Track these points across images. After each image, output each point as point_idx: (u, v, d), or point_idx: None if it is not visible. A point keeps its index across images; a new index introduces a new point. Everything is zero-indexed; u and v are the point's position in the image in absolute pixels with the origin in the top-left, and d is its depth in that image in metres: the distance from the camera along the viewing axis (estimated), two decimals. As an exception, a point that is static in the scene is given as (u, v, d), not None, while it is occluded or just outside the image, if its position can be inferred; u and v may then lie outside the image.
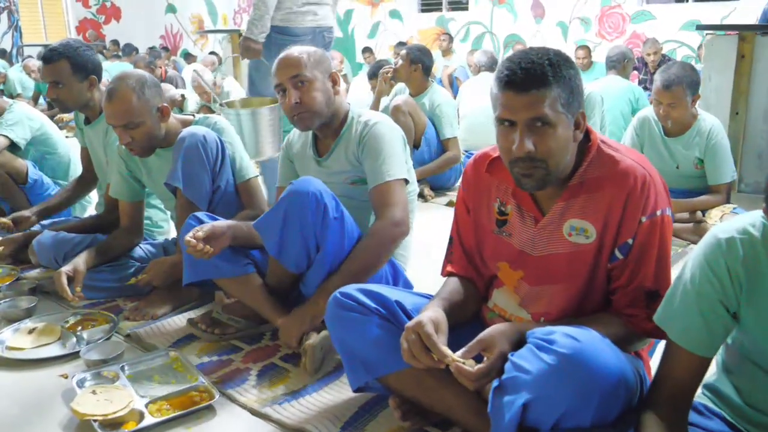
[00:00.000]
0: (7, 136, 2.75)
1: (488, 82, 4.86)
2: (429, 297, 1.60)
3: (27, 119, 2.84)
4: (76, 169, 3.04)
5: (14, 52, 11.50)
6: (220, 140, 2.17)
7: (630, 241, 1.30)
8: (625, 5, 8.25)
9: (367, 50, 9.44)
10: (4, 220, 2.53)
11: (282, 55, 1.92)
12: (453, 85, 7.71)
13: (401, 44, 8.85)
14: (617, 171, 1.30)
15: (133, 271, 2.31)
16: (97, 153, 2.60)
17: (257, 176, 2.29)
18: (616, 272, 1.33)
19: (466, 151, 4.17)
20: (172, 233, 2.76)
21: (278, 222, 1.75)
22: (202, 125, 2.22)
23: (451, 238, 1.63)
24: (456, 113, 4.04)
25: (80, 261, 2.13)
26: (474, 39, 9.62)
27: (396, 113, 3.46)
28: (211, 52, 10.76)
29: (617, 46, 4.82)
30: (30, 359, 1.89)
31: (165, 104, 2.16)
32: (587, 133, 1.36)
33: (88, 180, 2.79)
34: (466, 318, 1.53)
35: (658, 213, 1.29)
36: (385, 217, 1.81)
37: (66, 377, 1.78)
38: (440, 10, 10.13)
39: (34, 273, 2.54)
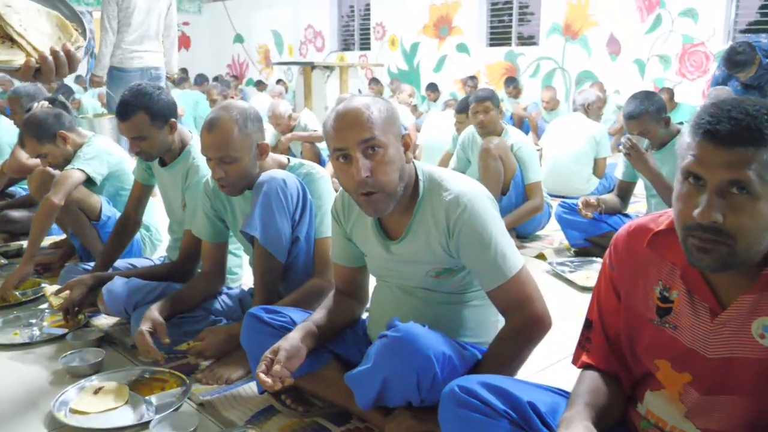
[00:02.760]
0: (83, 171, 2.62)
1: (580, 122, 4.67)
2: (562, 393, 1.33)
3: (105, 154, 2.72)
4: (150, 207, 2.90)
5: (88, 77, 11.82)
6: (303, 187, 1.97)
7: None
8: (708, 43, 7.87)
9: (431, 87, 9.27)
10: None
11: (342, 108, 1.47)
12: (524, 124, 7.44)
13: (472, 78, 8.66)
14: None
15: (209, 322, 2.13)
16: (172, 196, 2.45)
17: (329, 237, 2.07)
18: None
19: (550, 195, 3.88)
20: (247, 280, 2.57)
21: (375, 385, 1.44)
22: (296, 171, 2.03)
23: (588, 322, 1.36)
24: (538, 155, 3.77)
25: (155, 313, 1.95)
26: (544, 75, 9.36)
27: (486, 158, 3.21)
28: (278, 81, 10.86)
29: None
30: (96, 429, 1.70)
31: (265, 142, 1.99)
32: None
33: (131, 222, 2.59)
34: (610, 425, 1.26)
35: None
36: (522, 319, 1.49)
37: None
38: (509, 44, 9.92)
39: (103, 320, 2.39)
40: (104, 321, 2.40)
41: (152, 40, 4.45)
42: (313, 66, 5.75)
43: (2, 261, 3.10)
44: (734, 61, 4.27)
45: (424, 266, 1.58)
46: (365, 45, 11.69)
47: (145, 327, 1.92)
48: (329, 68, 5.66)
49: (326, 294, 1.98)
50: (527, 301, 1.50)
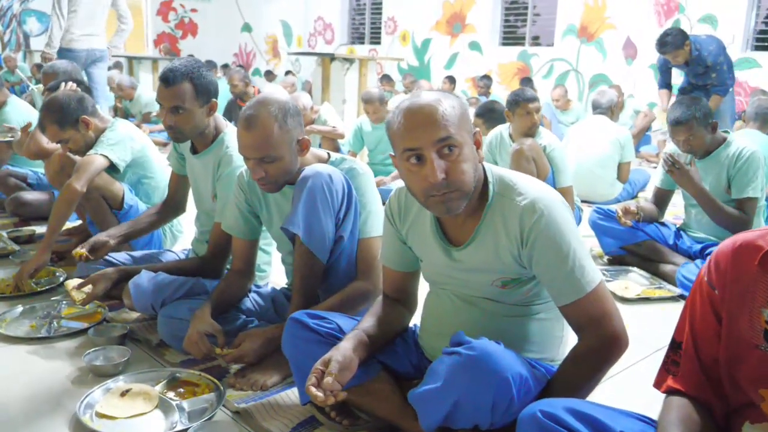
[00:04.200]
0: (107, 157, 2.49)
1: (604, 126, 4.56)
2: (649, 421, 1.22)
3: (129, 139, 2.58)
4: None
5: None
6: (348, 183, 1.85)
7: None
8: (728, 50, 7.73)
9: (450, 79, 9.11)
10: (80, 251, 2.25)
11: (413, 105, 1.34)
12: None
13: (486, 78, 8.53)
14: None
15: (240, 323, 2.01)
16: (201, 185, 2.32)
17: (379, 236, 1.96)
18: None
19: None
20: (276, 278, 2.46)
21: (444, 406, 1.30)
22: (338, 166, 1.91)
23: (676, 344, 1.24)
24: (570, 159, 3.66)
25: (209, 319, 1.85)
26: (557, 76, 9.24)
27: (519, 159, 3.09)
28: (288, 72, 10.71)
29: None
30: (125, 437, 1.58)
31: (306, 137, 1.86)
32: None
33: (173, 207, 2.52)
34: None
35: None
36: (599, 337, 1.37)
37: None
38: (523, 44, 9.80)
39: (123, 314, 2.27)
40: (125, 316, 2.28)
41: (97, 26, 5.10)
42: (332, 58, 5.61)
43: (15, 247, 2.97)
44: (661, 41, 4.46)
45: (490, 275, 1.46)
46: (375, 39, 11.54)
47: (202, 329, 1.82)
48: (349, 60, 5.52)
49: (370, 298, 1.88)
50: (605, 318, 1.38)
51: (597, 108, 4.68)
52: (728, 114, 4.83)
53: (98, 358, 1.91)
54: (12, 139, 3.27)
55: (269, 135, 1.77)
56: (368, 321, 1.60)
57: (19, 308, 2.28)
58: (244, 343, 1.81)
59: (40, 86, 3.71)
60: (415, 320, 1.74)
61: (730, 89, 4.79)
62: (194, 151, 2.29)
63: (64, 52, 4.93)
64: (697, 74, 4.67)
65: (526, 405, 1.27)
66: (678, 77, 5.15)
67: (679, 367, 1.23)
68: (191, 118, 2.11)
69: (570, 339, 1.54)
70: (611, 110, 4.63)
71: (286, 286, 2.21)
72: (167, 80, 2.07)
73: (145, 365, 1.94)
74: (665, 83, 5.07)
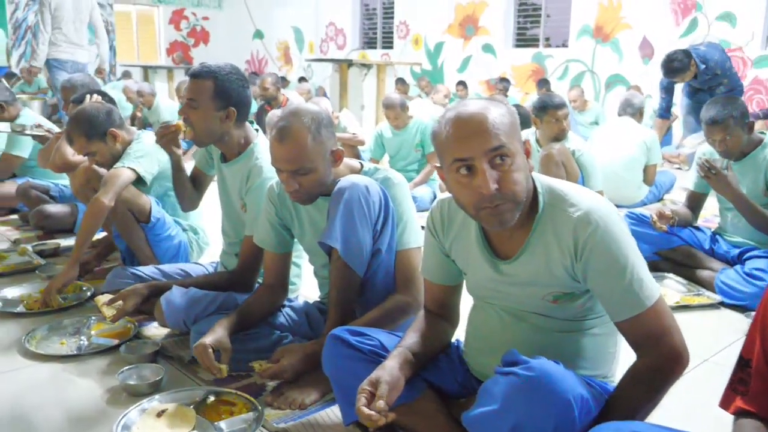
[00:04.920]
0: (134, 170, 2.46)
1: (630, 128, 4.47)
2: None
3: (155, 151, 2.54)
4: (199, 209, 2.74)
5: (107, 69, 11.71)
6: (385, 194, 1.80)
7: None
8: (746, 48, 7.65)
9: (462, 84, 9.07)
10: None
11: (462, 114, 1.29)
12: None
13: (504, 80, 8.46)
14: None
15: (275, 338, 1.96)
16: (230, 196, 2.29)
17: (420, 247, 1.90)
18: None
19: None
20: (306, 291, 2.41)
21: (503, 430, 1.22)
22: (372, 176, 1.86)
23: (744, 361, 1.18)
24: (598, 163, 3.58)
25: (222, 333, 1.78)
26: (572, 78, 9.16)
27: (548, 163, 3.04)
28: (301, 78, 10.69)
29: None
30: (166, 460, 1.54)
31: (340, 147, 1.82)
32: None
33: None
34: None
35: None
36: (659, 355, 1.31)
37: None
38: (537, 45, 9.73)
39: (153, 329, 2.23)
40: (155, 332, 2.24)
41: (80, 39, 5.71)
42: (350, 63, 5.56)
43: (40, 261, 2.95)
44: (669, 68, 4.61)
45: (541, 289, 1.41)
46: (388, 43, 11.51)
47: (208, 340, 1.76)
48: (366, 66, 5.46)
49: (410, 312, 1.83)
50: (665, 334, 1.32)
51: (628, 109, 4.59)
52: None
53: (132, 376, 1.87)
54: (44, 133, 3.22)
55: (303, 146, 1.73)
56: (412, 337, 1.55)
57: (49, 325, 2.24)
58: (283, 359, 1.76)
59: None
60: (457, 335, 1.68)
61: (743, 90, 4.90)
62: (224, 160, 2.26)
63: (50, 62, 5.62)
64: (706, 81, 4.74)
65: (587, 427, 1.22)
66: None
67: (748, 386, 1.16)
68: (203, 117, 2.09)
69: (623, 354, 1.48)
70: (640, 112, 4.57)
71: (319, 299, 2.16)
72: (194, 73, 2.09)
73: (178, 383, 1.90)
74: (667, 107, 5.15)
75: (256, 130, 2.27)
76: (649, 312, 1.32)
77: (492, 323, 1.52)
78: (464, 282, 1.61)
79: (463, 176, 1.30)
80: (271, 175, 2.11)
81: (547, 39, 9.75)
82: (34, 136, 3.24)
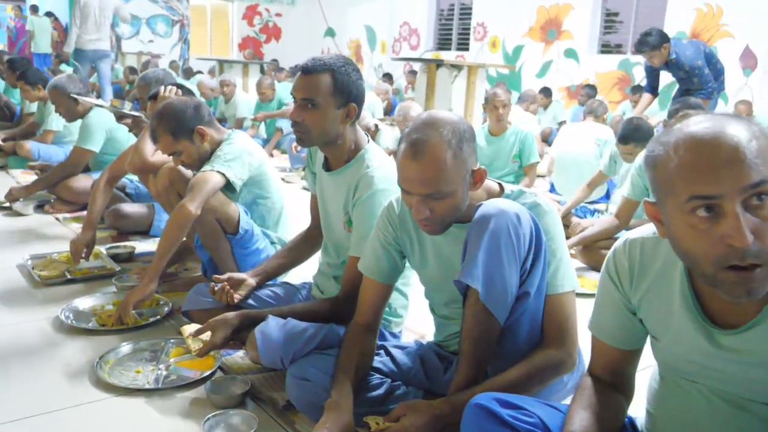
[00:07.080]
0: (224, 175, 2.18)
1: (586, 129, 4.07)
2: None
3: (247, 154, 2.26)
4: (287, 220, 2.44)
5: (181, 63, 11.78)
6: (536, 225, 1.45)
7: None
8: None
9: (545, 91, 8.59)
10: (222, 277, 1.98)
11: (698, 132, 0.94)
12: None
13: (590, 87, 7.96)
14: None
15: (387, 389, 1.63)
16: (332, 209, 1.97)
17: (574, 291, 1.54)
18: None
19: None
20: (415, 325, 2.09)
21: None
22: (515, 200, 1.51)
23: None
24: None
25: (349, 412, 1.47)
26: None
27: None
28: (386, 75, 10.43)
29: None
30: None
31: (481, 166, 1.48)
32: None
33: (316, 236, 2.16)
34: None
35: None
36: None
37: None
38: (624, 52, 9.14)
39: (239, 359, 1.94)
40: (241, 362, 1.95)
41: (102, 32, 6.92)
42: (439, 64, 5.23)
43: (115, 267, 2.70)
44: (640, 39, 4.52)
45: None
46: (463, 45, 11.12)
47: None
48: (457, 68, 5.12)
49: (563, 372, 1.48)
50: None
51: None
52: None
53: (219, 425, 1.58)
54: (140, 114, 2.97)
55: (441, 166, 1.40)
56: (583, 417, 1.19)
57: (123, 347, 1.98)
58: (406, 417, 1.42)
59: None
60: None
61: (714, 93, 4.79)
62: (327, 168, 1.95)
63: (77, 52, 6.83)
64: (681, 78, 4.76)
65: None
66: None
67: None
68: (323, 117, 1.78)
69: None
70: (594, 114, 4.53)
71: (435, 341, 1.82)
72: (307, 68, 1.77)
73: (271, 433, 1.60)
74: (651, 87, 5.08)
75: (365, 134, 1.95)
76: None
77: (699, 410, 1.15)
78: (654, 349, 1.24)
79: (702, 219, 0.94)
80: (383, 187, 1.80)
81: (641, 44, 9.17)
82: (127, 123, 3.00)
